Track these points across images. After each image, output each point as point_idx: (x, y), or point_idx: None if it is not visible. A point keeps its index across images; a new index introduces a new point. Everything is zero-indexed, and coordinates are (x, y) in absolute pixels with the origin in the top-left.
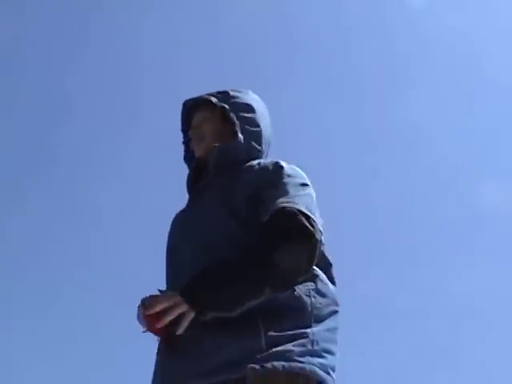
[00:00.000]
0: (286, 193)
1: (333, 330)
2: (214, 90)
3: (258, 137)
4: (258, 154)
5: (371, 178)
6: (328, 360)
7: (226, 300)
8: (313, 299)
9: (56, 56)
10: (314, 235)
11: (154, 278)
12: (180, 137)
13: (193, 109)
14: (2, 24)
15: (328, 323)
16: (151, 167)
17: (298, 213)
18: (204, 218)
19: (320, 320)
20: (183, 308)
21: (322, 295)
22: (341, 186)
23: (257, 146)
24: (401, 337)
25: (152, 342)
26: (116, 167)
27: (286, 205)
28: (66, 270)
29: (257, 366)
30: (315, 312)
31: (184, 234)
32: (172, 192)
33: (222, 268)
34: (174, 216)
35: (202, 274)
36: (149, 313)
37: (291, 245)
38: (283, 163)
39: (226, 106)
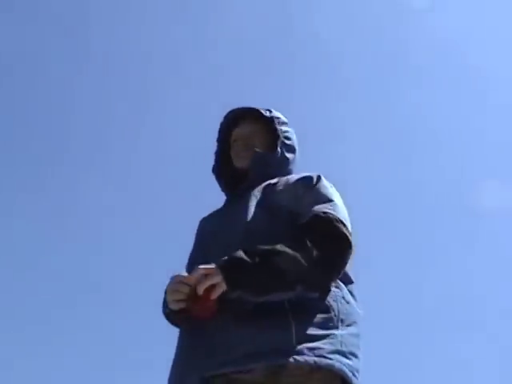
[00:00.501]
0: (326, 200)
1: (356, 335)
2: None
3: (291, 150)
4: (289, 167)
5: (370, 175)
6: (354, 362)
7: (257, 283)
8: (339, 304)
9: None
10: (350, 243)
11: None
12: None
13: (233, 120)
14: None
15: (352, 329)
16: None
17: (338, 220)
18: (246, 216)
19: (346, 325)
20: (217, 279)
21: (347, 302)
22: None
23: (289, 159)
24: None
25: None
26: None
27: (328, 211)
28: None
29: (290, 359)
30: (341, 317)
31: (224, 227)
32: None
33: (263, 254)
34: (204, 216)
35: (244, 254)
36: (185, 280)
37: (330, 249)
38: (323, 177)
39: (275, 119)
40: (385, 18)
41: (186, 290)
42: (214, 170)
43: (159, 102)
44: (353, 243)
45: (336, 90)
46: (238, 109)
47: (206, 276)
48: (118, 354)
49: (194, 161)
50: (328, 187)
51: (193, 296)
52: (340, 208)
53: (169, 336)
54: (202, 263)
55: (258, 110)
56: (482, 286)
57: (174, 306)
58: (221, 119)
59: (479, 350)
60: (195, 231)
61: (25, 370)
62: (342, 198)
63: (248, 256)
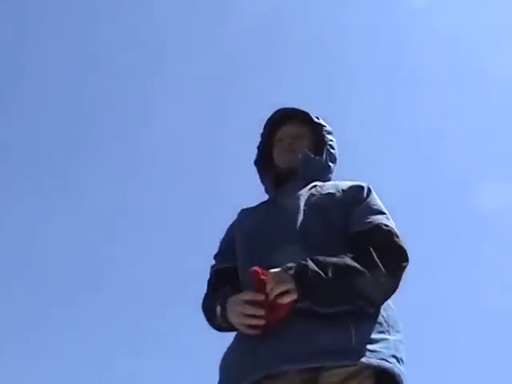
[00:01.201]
0: (381, 212)
1: (403, 342)
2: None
3: (333, 159)
4: (329, 175)
5: (371, 176)
6: (404, 369)
7: (326, 297)
8: (388, 312)
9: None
10: (408, 259)
11: None
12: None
13: (280, 118)
14: None
15: (400, 336)
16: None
17: (398, 235)
18: (296, 216)
19: (395, 331)
20: (290, 285)
21: (393, 311)
22: None
23: (331, 167)
24: None
25: None
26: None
27: (388, 224)
28: None
29: (354, 360)
30: (391, 323)
31: (271, 224)
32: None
33: (335, 268)
34: (244, 208)
35: (315, 266)
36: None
37: (394, 267)
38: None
39: (324, 126)
40: (383, 18)
41: (262, 312)
42: (256, 163)
43: (159, 101)
44: (409, 258)
45: (333, 90)
46: (288, 108)
47: (279, 281)
48: None
49: (194, 162)
50: (378, 199)
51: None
52: (392, 221)
53: None
54: (245, 257)
55: (307, 114)
56: (483, 286)
57: (247, 331)
58: (268, 115)
59: (479, 350)
60: (232, 220)
61: None
62: None
63: (320, 268)
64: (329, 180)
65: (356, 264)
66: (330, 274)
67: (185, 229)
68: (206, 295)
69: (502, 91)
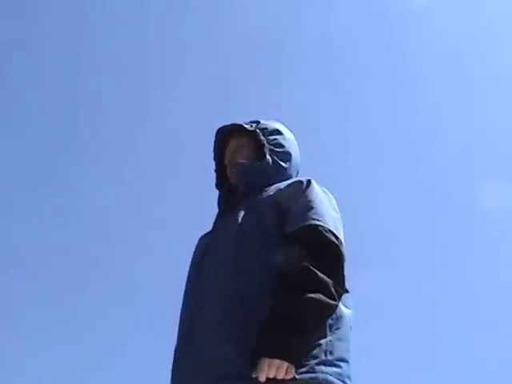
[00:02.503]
0: (314, 207)
1: (346, 339)
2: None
3: (285, 157)
4: (286, 173)
5: (372, 176)
6: (343, 369)
7: (306, 350)
8: None
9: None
10: (344, 258)
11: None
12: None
13: (226, 137)
14: None
15: (340, 332)
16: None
17: (329, 230)
18: (236, 222)
19: (335, 328)
20: (285, 366)
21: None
22: (341, 186)
23: (284, 166)
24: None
25: None
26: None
27: (318, 223)
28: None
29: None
30: (329, 322)
31: (216, 236)
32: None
33: (292, 323)
34: (203, 234)
35: (283, 331)
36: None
37: (336, 270)
38: (313, 182)
39: (258, 130)
40: (383, 18)
41: None
42: (217, 187)
43: (160, 101)
44: (344, 254)
45: (334, 90)
46: (223, 127)
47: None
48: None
49: (193, 162)
50: (318, 193)
51: None
52: (330, 216)
53: None
54: (191, 275)
55: (240, 125)
56: (483, 286)
57: None
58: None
59: (475, 350)
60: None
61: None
62: (335, 200)
63: (287, 328)
64: (289, 178)
65: (306, 298)
66: (305, 334)
67: (181, 231)
68: None
69: (501, 91)
